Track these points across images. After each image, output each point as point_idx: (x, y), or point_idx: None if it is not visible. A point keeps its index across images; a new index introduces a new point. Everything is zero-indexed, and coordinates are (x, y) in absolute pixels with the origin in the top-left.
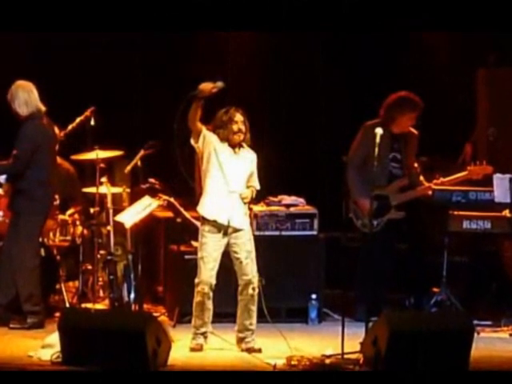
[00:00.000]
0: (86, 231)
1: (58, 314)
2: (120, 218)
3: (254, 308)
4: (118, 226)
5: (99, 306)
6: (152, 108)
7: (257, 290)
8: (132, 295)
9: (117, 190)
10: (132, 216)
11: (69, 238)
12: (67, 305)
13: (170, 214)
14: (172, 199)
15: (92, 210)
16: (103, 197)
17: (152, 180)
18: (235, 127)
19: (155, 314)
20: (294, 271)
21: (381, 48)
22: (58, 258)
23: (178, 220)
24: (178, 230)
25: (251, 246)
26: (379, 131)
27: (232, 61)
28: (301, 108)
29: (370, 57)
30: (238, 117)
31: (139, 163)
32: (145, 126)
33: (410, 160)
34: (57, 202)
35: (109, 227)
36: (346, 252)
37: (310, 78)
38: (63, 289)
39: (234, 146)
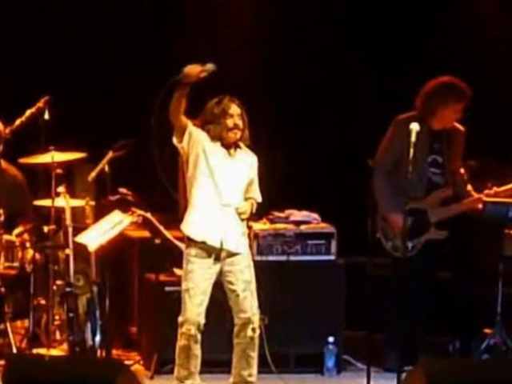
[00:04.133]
0: (38, 256)
1: (1, 363)
2: (82, 238)
3: (255, 354)
4: (80, 250)
5: (55, 352)
6: (124, 97)
7: (258, 332)
8: (97, 338)
9: (78, 202)
10: (97, 236)
11: (16, 264)
12: (14, 350)
13: (146, 234)
14: (149, 215)
15: (46, 229)
16: (60, 211)
17: (123, 190)
18: (230, 122)
19: (127, 362)
20: (305, 307)
21: (416, 15)
22: (3, 290)
23: (157, 241)
24: (156, 255)
25: (250, 274)
26: (415, 127)
27: (225, 36)
28: (313, 97)
29: (403, 28)
30: (234, 109)
31: (107, 168)
32: (114, 121)
33: (454, 164)
34: (1, 218)
35: (67, 250)
36: (373, 282)
37: (325, 58)
38: (9, 330)
39: (229, 146)
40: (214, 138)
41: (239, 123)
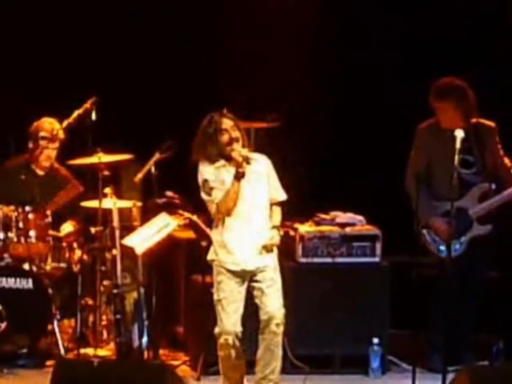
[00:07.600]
0: (85, 256)
1: (49, 363)
2: (129, 241)
3: (278, 351)
4: (127, 251)
5: (102, 352)
6: (171, 97)
7: (282, 328)
8: (144, 338)
9: (125, 204)
10: (144, 240)
11: (63, 264)
12: (62, 350)
13: (192, 236)
14: (195, 217)
15: (93, 230)
16: (107, 213)
17: (170, 193)
18: (225, 138)
19: (174, 363)
20: (350, 308)
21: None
22: (50, 290)
23: (203, 243)
24: (202, 256)
25: (276, 274)
26: (459, 134)
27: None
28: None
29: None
30: (226, 123)
31: (153, 170)
32: (161, 122)
33: (491, 160)
34: (48, 219)
35: (114, 251)
36: (418, 282)
37: (358, 39)
38: (57, 330)
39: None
40: (215, 158)
41: (235, 135)
